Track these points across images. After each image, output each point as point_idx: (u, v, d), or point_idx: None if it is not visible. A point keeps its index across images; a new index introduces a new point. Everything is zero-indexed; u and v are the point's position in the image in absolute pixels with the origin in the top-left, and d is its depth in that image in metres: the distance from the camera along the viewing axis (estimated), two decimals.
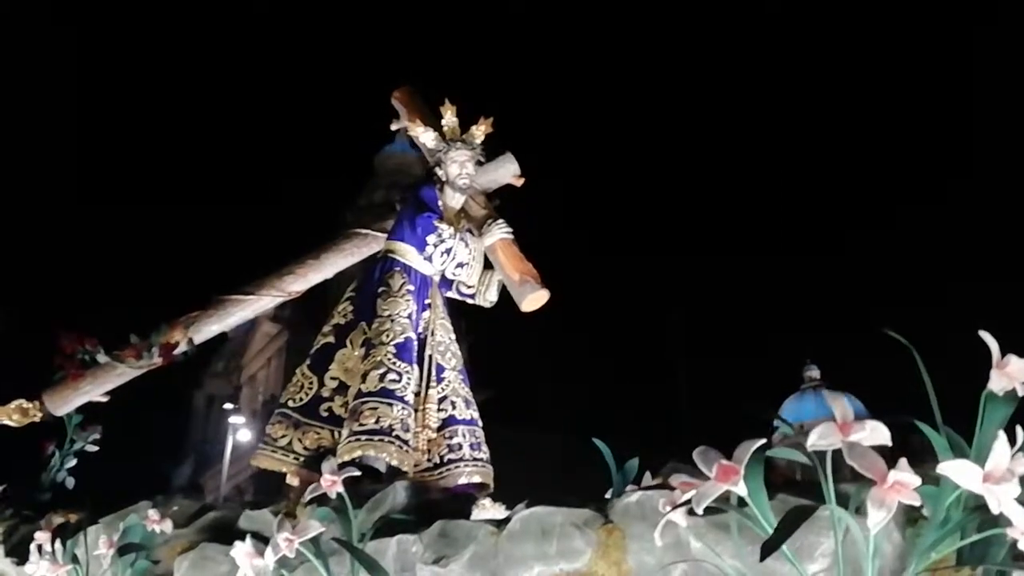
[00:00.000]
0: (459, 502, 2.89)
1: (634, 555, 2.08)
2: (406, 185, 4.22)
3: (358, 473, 2.68)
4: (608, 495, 2.80)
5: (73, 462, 4.23)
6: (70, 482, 4.20)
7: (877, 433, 1.63)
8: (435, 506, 2.84)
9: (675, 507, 1.86)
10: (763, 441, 1.68)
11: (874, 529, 1.49)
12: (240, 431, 26.53)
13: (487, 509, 2.86)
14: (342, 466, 2.79)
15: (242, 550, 2.49)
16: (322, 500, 2.92)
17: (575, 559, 2.14)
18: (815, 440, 1.65)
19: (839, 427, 1.64)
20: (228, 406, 30.64)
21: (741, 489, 1.67)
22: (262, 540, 2.81)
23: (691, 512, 1.92)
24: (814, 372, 50.96)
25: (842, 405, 1.66)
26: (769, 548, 1.51)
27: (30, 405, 4.54)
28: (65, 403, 4.16)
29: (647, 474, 2.96)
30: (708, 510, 1.93)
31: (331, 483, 2.53)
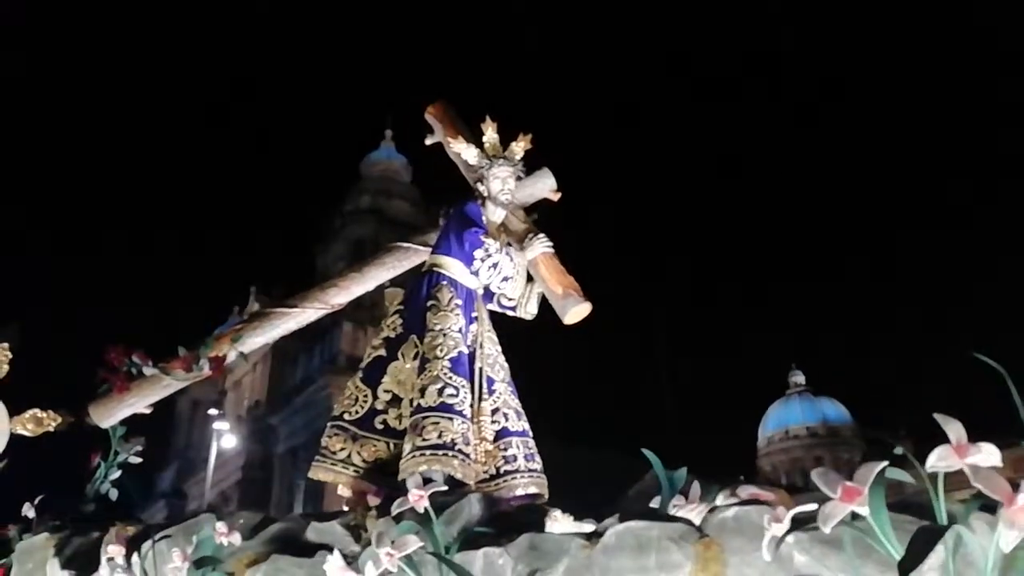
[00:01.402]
0: (531, 514, 2.96)
1: (735, 568, 2.17)
2: (449, 200, 4.28)
3: (445, 488, 2.76)
4: (655, 504, 2.90)
5: (117, 474, 4.24)
6: (114, 494, 4.22)
7: (991, 455, 1.73)
8: (507, 518, 2.93)
9: (786, 532, 1.95)
10: (885, 463, 1.77)
11: (1008, 548, 1.60)
12: (224, 437, 26.27)
13: (559, 521, 2.94)
14: (425, 482, 2.85)
15: (334, 564, 2.55)
16: (387, 512, 3.01)
17: (675, 572, 2.22)
18: (933, 462, 1.75)
19: (955, 449, 1.74)
20: (213, 411, 30.41)
21: (864, 509, 1.77)
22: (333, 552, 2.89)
23: (794, 527, 2.03)
24: (799, 377, 51.41)
25: (956, 428, 1.76)
26: (906, 570, 1.61)
27: (44, 414, 4.56)
28: (110, 415, 4.18)
29: (695, 483, 3.06)
30: (812, 525, 2.05)
31: (419, 497, 2.59)
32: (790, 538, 2.03)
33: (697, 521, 2.39)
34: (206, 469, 26.05)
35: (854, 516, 1.86)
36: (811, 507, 2.07)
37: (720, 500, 2.76)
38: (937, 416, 1.81)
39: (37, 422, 4.60)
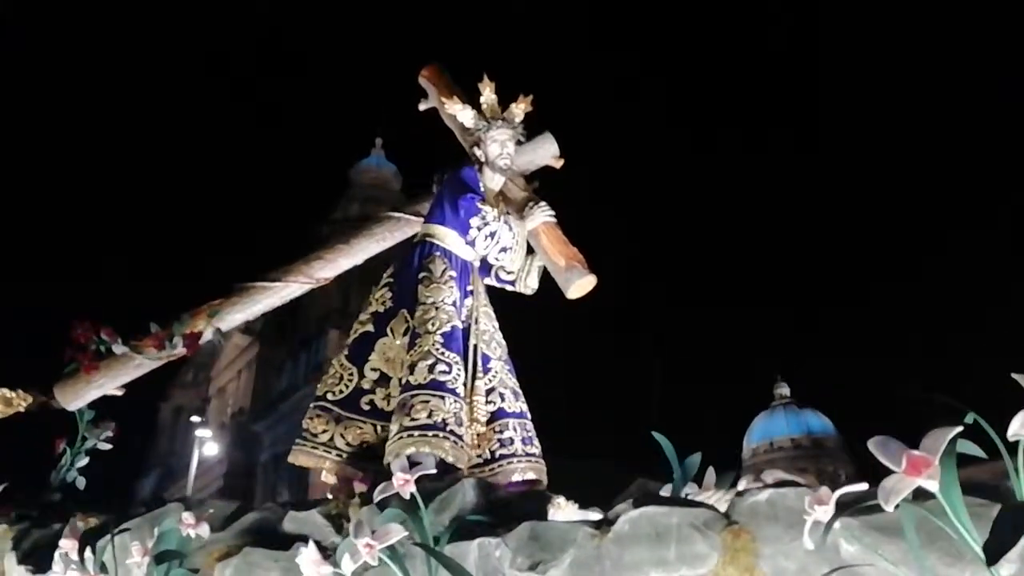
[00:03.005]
0: (532, 501, 2.66)
1: (768, 560, 1.87)
2: (441, 167, 3.96)
3: (434, 471, 2.45)
4: (666, 492, 2.61)
5: (84, 461, 3.93)
6: (81, 482, 3.90)
7: None
8: (505, 506, 2.62)
9: (832, 518, 1.64)
10: (959, 429, 1.47)
11: None
12: (207, 444, 25.92)
13: (563, 508, 2.64)
14: (412, 465, 2.56)
15: (308, 557, 2.24)
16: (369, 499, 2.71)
17: (699, 564, 1.92)
18: (1016, 429, 1.45)
19: None
20: (195, 418, 30.10)
21: (934, 484, 1.46)
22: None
23: (840, 511, 1.73)
24: (784, 389, 51.27)
25: None
26: (993, 555, 1.30)
27: (13, 395, 4.26)
28: (77, 397, 3.86)
29: (710, 470, 2.78)
30: (862, 509, 1.74)
31: (404, 481, 2.29)
32: (836, 524, 1.72)
33: (723, 507, 2.08)
34: (188, 476, 25.68)
35: (916, 495, 1.56)
36: (860, 487, 1.77)
37: (743, 486, 2.47)
38: (1017, 376, 1.50)
39: (6, 402, 4.31)
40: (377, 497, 2.35)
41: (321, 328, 34.44)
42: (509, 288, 3.90)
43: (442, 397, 3.10)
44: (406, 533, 2.15)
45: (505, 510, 2.53)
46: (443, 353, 3.23)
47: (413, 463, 2.41)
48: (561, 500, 2.68)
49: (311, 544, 2.31)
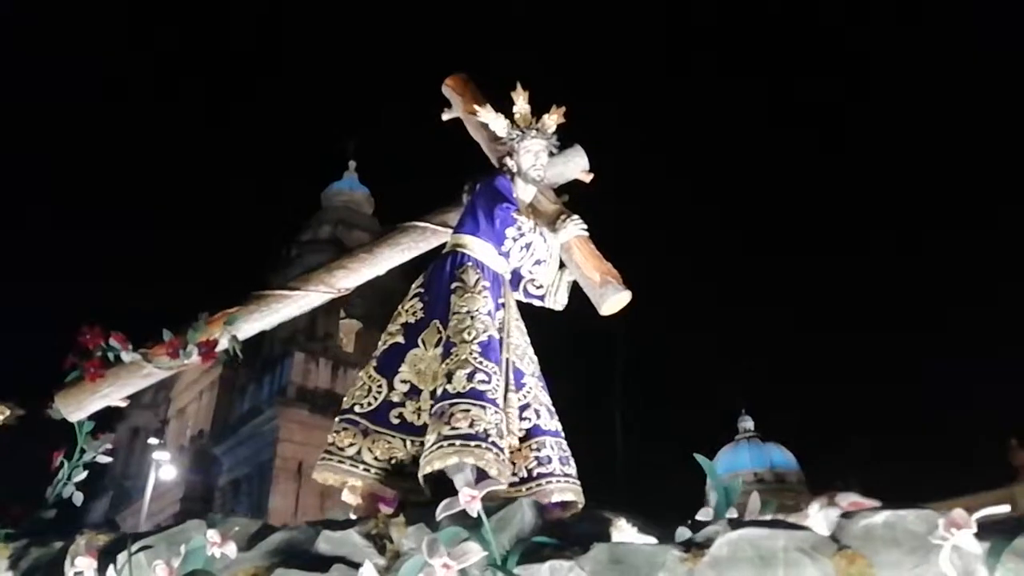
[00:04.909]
0: (592, 523, 2.51)
1: None
2: (471, 175, 3.83)
3: (503, 486, 2.29)
4: (704, 516, 2.49)
5: (83, 475, 3.67)
6: (78, 498, 3.64)
7: None
8: (562, 527, 2.47)
9: (988, 547, 1.52)
10: None
11: None
12: (164, 467, 25.09)
13: (624, 531, 2.49)
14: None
15: None
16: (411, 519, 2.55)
17: None
18: None
19: None
20: (153, 440, 29.16)
21: None
22: (350, 566, 2.43)
23: (980, 536, 1.61)
24: (748, 423, 51.66)
25: None
26: None
27: None
28: (80, 407, 3.60)
29: (754, 494, 2.69)
30: (1005, 534, 1.63)
31: (471, 498, 2.13)
32: (976, 549, 1.61)
33: (826, 530, 1.96)
34: (142, 500, 24.77)
35: None
36: (1001, 510, 1.66)
37: (815, 509, 2.36)
38: None
39: None
40: (440, 515, 2.18)
41: (286, 351, 33.76)
42: (537, 303, 3.77)
43: (483, 407, 2.94)
44: (485, 553, 1.99)
45: (564, 531, 2.38)
46: (481, 363, 3.07)
47: (478, 479, 2.25)
48: (622, 522, 2.53)
49: (368, 564, 2.14)
